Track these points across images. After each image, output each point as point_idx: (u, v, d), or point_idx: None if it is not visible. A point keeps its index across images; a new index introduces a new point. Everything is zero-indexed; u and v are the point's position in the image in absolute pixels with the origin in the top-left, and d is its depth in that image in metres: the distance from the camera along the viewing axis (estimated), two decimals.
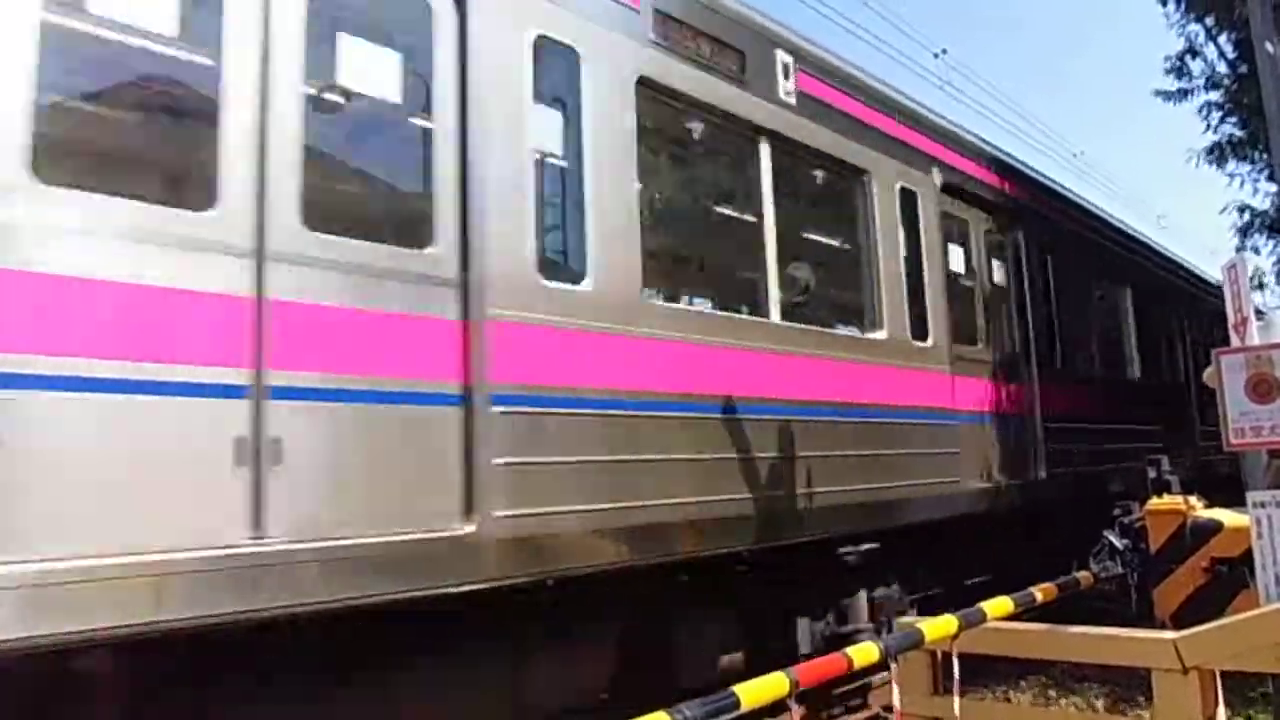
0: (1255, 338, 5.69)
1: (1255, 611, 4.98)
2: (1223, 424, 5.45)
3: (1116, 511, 6.60)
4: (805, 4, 13.70)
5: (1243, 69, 14.77)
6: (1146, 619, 6.19)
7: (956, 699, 4.77)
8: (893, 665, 4.56)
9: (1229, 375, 5.47)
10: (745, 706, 3.67)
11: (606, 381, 4.83)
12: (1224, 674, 4.98)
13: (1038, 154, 44.48)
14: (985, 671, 6.96)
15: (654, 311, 5.28)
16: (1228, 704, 5.07)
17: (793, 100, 6.69)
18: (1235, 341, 5.70)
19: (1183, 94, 16.40)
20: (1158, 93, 16.89)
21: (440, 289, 4.22)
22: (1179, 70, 16.31)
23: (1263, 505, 5.18)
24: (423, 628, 4.22)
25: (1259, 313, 6.45)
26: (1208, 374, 5.66)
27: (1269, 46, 10.05)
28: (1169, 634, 4.96)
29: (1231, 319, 5.76)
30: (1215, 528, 6.12)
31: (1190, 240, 40.62)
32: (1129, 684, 6.50)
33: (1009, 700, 7.11)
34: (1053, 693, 7.33)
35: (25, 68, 3.20)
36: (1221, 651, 4.84)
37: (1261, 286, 18.72)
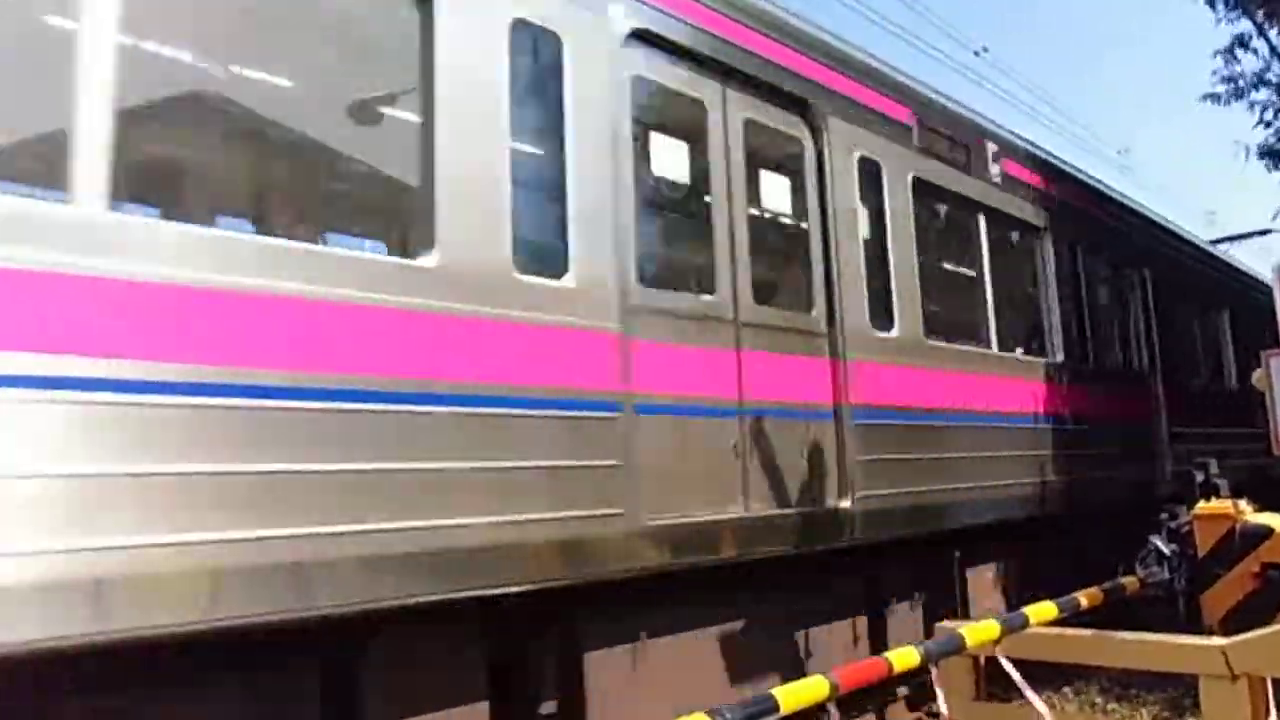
0: None
1: None
2: (1272, 427, 5.35)
3: (1163, 515, 6.49)
4: (845, 4, 13.64)
5: None
6: (1193, 625, 6.08)
7: (1037, 702, 4.69)
8: (933, 670, 4.53)
9: (1279, 377, 5.38)
10: (785, 710, 3.67)
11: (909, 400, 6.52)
12: (1276, 682, 4.89)
13: (1081, 151, 43.76)
14: (1029, 677, 6.89)
15: (931, 348, 6.96)
16: None
17: None
18: None
19: (1236, 94, 16.05)
20: (1205, 96, 16.54)
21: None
22: (1228, 60, 15.96)
23: None
24: None
25: None
26: (1257, 376, 5.57)
27: None
28: (1217, 640, 4.88)
29: None
30: (1265, 533, 6.00)
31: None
32: (1176, 691, 6.40)
33: (1053, 707, 7.02)
34: (1098, 700, 7.23)
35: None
36: (1272, 659, 4.76)
37: None
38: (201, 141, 3.98)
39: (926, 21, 37.63)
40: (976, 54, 20.76)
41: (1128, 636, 5.00)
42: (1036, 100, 52.35)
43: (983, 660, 5.18)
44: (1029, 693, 4.70)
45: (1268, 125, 16.12)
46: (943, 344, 7.25)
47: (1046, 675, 7.24)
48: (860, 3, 22.46)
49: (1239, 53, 15.84)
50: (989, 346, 8.01)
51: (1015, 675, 4.64)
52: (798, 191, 6.13)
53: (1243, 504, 6.25)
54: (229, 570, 3.10)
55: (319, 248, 3.80)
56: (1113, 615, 6.32)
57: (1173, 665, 5.01)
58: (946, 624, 5.05)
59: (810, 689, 3.84)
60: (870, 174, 6.61)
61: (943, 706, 4.49)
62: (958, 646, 4.69)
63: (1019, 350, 8.63)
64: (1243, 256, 16.62)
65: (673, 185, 5.40)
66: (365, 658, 3.72)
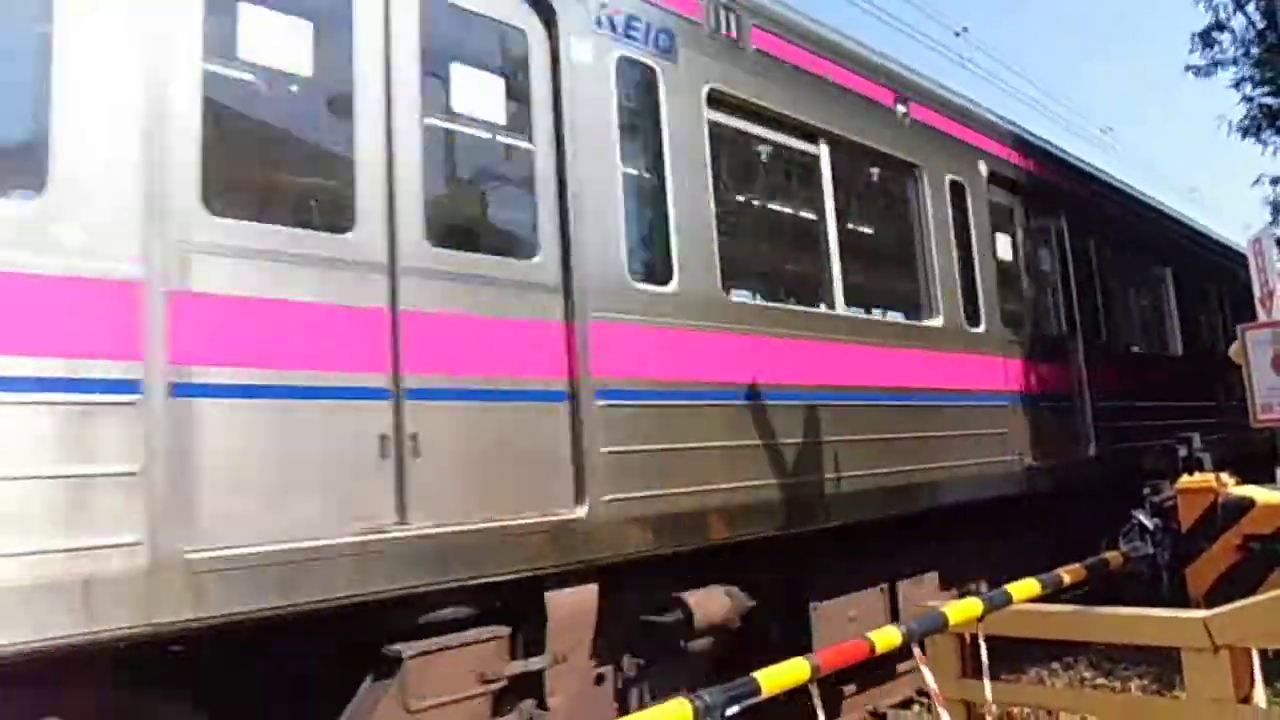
0: None
1: None
2: (1250, 400, 5.39)
3: (1146, 490, 6.54)
4: None
5: (1272, 38, 14.54)
6: (1179, 599, 6.13)
7: (987, 682, 4.75)
8: (916, 649, 4.56)
9: (1255, 350, 5.41)
10: (766, 692, 3.70)
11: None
12: (1263, 653, 4.92)
13: (1064, 130, 43.80)
14: (1018, 654, 6.94)
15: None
16: (1266, 683, 5.00)
17: None
18: (1261, 316, 5.63)
19: (1214, 65, 16.14)
20: (1188, 68, 16.63)
21: None
22: (1206, 42, 16.06)
23: None
24: None
25: None
26: (1234, 350, 5.59)
27: None
28: (1198, 613, 4.91)
29: (1257, 293, 5.68)
30: (1247, 505, 6.06)
31: (1224, 214, 39.90)
32: (1165, 665, 6.45)
33: (1042, 683, 7.08)
34: (1087, 674, 7.29)
35: None
36: (1252, 629, 4.78)
37: None
38: None
39: (905, 1, 37.55)
40: (957, 34, 20.69)
41: (1110, 611, 5.03)
42: (1019, 80, 52.39)
43: (968, 638, 5.22)
44: (985, 679, 4.73)
45: (1248, 100, 16.18)
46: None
47: (1036, 651, 7.32)
48: None
49: (1216, 34, 15.92)
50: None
51: (984, 658, 4.67)
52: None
53: (1225, 477, 6.30)
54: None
55: None
56: (1099, 590, 6.38)
57: (1155, 639, 5.05)
58: (930, 603, 5.08)
59: (791, 671, 3.87)
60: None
61: (930, 683, 4.52)
62: (940, 625, 4.72)
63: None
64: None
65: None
66: None
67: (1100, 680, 7.13)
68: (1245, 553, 5.94)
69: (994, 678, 5.15)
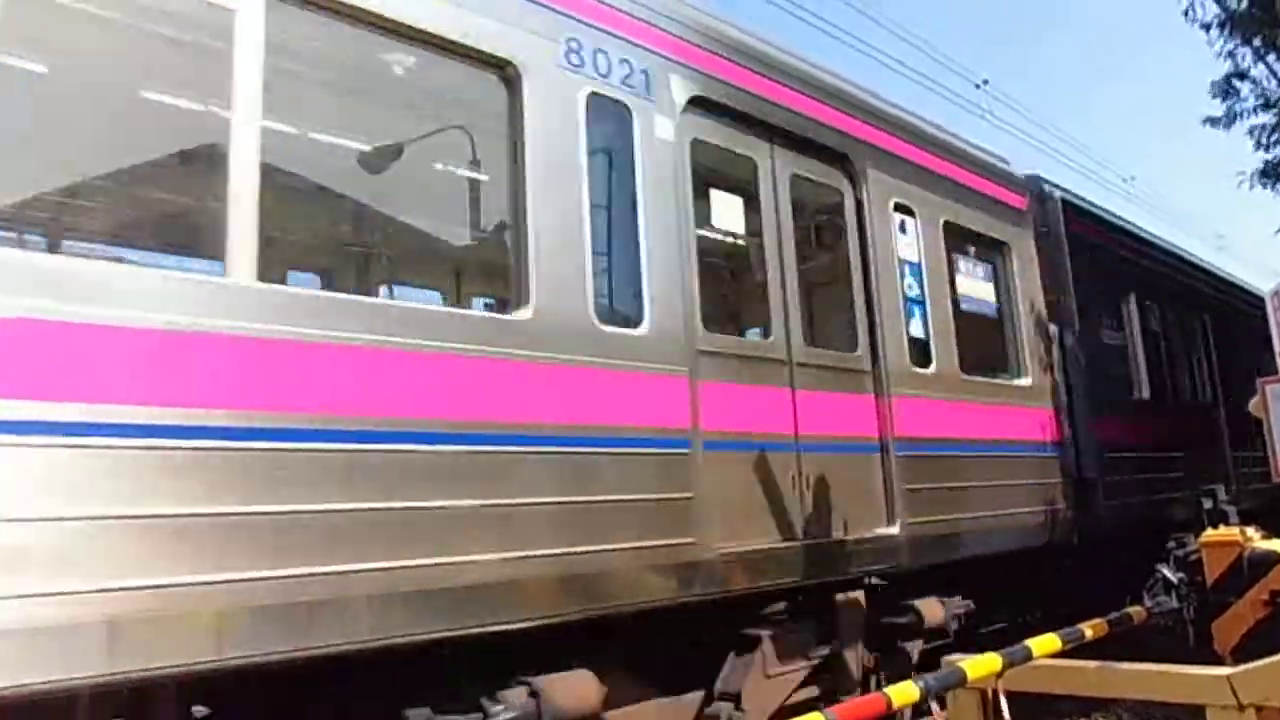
0: None
1: None
2: (1271, 454, 5.36)
3: (1171, 544, 6.47)
4: (853, 48, 13.91)
5: None
6: (1206, 655, 6.05)
7: None
8: (934, 705, 4.55)
9: (1275, 405, 5.40)
10: None
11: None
12: None
13: (1088, 180, 43.72)
14: (1046, 710, 6.85)
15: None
16: None
17: None
18: None
19: (1232, 117, 16.07)
20: (1206, 119, 16.54)
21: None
22: (1225, 93, 15.99)
23: None
24: None
25: None
26: (1254, 404, 5.58)
27: None
28: (1223, 670, 4.86)
29: (1277, 347, 5.68)
30: (1274, 560, 5.99)
31: (1252, 261, 39.44)
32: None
33: None
34: None
35: None
36: (1279, 687, 4.72)
37: None
38: None
39: (924, 55, 37.98)
40: (977, 86, 20.79)
41: (1132, 668, 4.98)
42: (1036, 128, 52.55)
43: (990, 693, 5.19)
44: None
45: (1267, 149, 16.07)
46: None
47: (1066, 706, 7.22)
48: (857, 39, 22.68)
49: (1236, 82, 15.87)
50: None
51: (1006, 714, 4.64)
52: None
53: (1250, 531, 6.24)
54: None
55: None
56: (1125, 645, 6.30)
57: (1179, 696, 4.97)
58: (950, 657, 5.06)
59: None
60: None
61: None
62: (959, 680, 4.71)
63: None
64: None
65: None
66: None
67: None
68: (1272, 608, 5.85)
69: None
